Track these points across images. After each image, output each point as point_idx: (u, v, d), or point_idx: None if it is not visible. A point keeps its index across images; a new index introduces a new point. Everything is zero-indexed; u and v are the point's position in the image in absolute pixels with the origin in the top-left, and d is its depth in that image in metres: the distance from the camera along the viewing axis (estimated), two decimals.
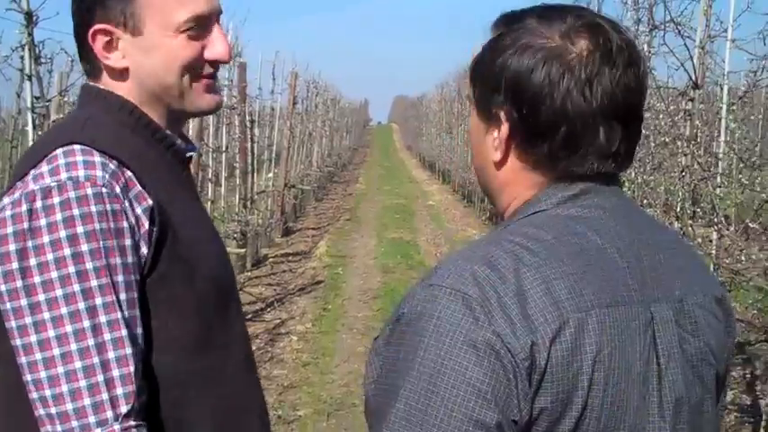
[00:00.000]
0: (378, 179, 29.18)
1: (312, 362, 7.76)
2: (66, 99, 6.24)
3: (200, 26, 1.67)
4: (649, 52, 6.19)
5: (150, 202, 1.55)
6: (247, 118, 12.65)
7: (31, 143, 4.33)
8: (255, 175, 13.64)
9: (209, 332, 1.66)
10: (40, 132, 4.45)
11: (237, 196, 12.14)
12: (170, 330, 1.58)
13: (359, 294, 10.57)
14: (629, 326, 1.31)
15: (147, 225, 1.54)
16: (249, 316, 9.10)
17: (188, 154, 1.77)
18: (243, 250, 11.29)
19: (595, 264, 1.32)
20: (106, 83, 1.69)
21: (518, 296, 1.25)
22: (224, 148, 11.37)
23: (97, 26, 1.63)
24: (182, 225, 1.61)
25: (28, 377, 1.44)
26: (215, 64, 1.72)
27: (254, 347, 7.81)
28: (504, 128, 1.39)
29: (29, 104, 4.36)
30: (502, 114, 1.39)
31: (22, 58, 5.52)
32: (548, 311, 1.25)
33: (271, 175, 15.52)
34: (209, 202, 10.31)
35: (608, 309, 1.29)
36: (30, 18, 4.23)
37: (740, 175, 5.20)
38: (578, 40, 1.35)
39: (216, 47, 1.69)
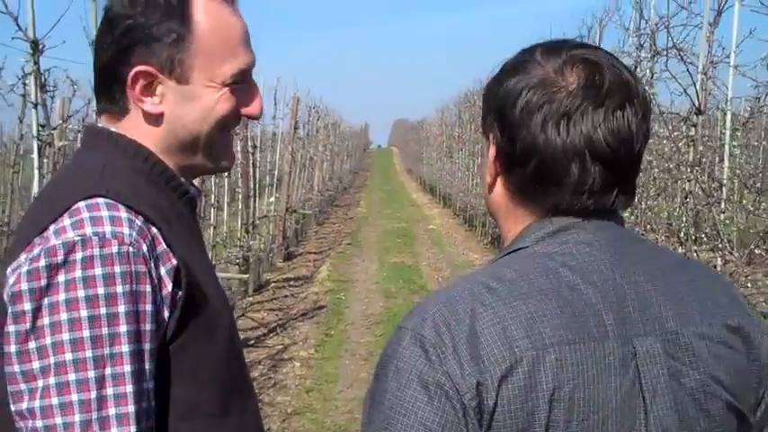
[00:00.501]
0: (379, 203, 29.19)
1: (315, 388, 7.73)
2: (69, 126, 6.24)
3: (243, 80, 1.62)
4: (652, 77, 6.22)
5: (175, 262, 1.45)
6: (249, 143, 12.67)
7: (36, 170, 4.35)
8: (257, 199, 13.65)
9: (229, 396, 1.58)
10: (45, 160, 4.47)
11: (240, 221, 12.15)
12: (192, 398, 1.49)
13: (361, 319, 10.55)
14: (601, 362, 1.30)
15: (170, 287, 1.44)
16: (251, 342, 9.09)
17: (196, 199, 1.70)
18: (245, 276, 11.28)
19: (562, 301, 1.32)
20: (125, 125, 1.59)
21: (470, 337, 1.28)
22: (226, 174, 11.37)
23: (140, 68, 1.53)
24: (203, 283, 1.52)
25: None
26: (246, 118, 1.67)
27: (256, 373, 7.82)
28: (492, 150, 1.43)
29: (34, 132, 4.37)
30: (491, 136, 1.43)
31: (25, 85, 5.55)
32: (498, 351, 1.27)
33: (272, 199, 15.52)
34: (211, 228, 10.32)
35: (570, 346, 1.29)
36: (36, 47, 4.25)
37: (744, 201, 5.20)
38: (571, 74, 1.35)
39: (255, 104, 1.65)
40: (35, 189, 4.44)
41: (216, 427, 1.55)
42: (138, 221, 1.43)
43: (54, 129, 4.66)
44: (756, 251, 4.99)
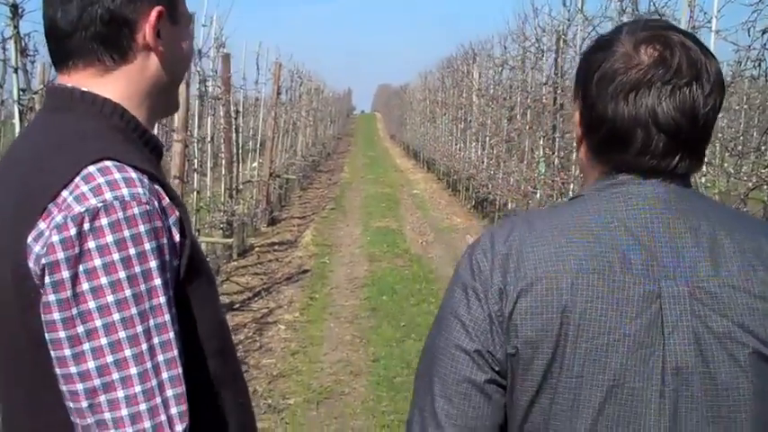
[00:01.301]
0: (362, 168, 29.17)
1: (300, 350, 7.78)
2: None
3: None
4: None
5: (177, 213, 1.53)
6: (232, 108, 12.64)
7: (17, 134, 4.34)
8: (240, 164, 13.63)
9: (226, 336, 1.68)
10: (26, 124, 4.45)
11: (223, 186, 12.14)
12: (203, 337, 1.57)
13: (345, 283, 10.60)
14: (618, 292, 1.50)
15: (177, 237, 1.52)
16: (237, 306, 9.14)
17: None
18: (230, 240, 11.29)
19: (593, 238, 1.55)
20: (117, 75, 1.61)
21: (504, 256, 1.57)
22: (209, 139, 11.35)
23: (159, 7, 1.60)
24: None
25: (84, 403, 1.40)
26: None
27: (242, 337, 7.87)
28: (576, 115, 1.67)
29: (15, 97, 4.36)
30: (578, 103, 1.66)
31: (5, 49, 5.52)
32: (524, 269, 1.55)
33: (256, 164, 15.52)
34: (194, 193, 10.31)
35: (587, 275, 1.51)
36: (15, 10, 4.23)
37: (725, 164, 5.24)
38: (645, 52, 1.54)
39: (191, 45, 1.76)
40: None
41: (224, 364, 1.64)
42: (146, 179, 1.48)
43: (35, 93, 4.64)
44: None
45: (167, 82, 1.68)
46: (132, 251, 1.41)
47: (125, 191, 1.43)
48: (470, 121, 18.40)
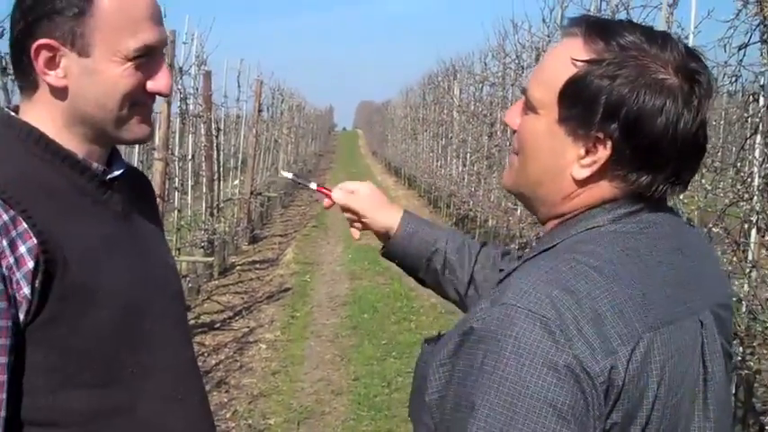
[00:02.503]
0: None
1: (281, 370, 7.74)
2: None
3: (148, 56, 1.64)
4: None
5: (35, 240, 1.48)
6: (213, 125, 12.62)
7: None
8: (222, 182, 13.60)
9: (116, 366, 1.61)
10: None
11: (204, 204, 12.10)
12: (66, 368, 1.54)
13: (327, 301, 10.57)
14: (685, 339, 1.39)
15: (30, 264, 1.47)
16: (217, 325, 9.09)
17: (110, 176, 1.70)
18: (210, 259, 11.25)
19: (655, 282, 1.39)
20: (34, 101, 1.63)
21: (594, 319, 1.29)
22: (190, 157, 11.32)
23: (42, 41, 1.57)
24: (83, 255, 1.55)
25: None
26: (154, 96, 1.68)
27: (222, 356, 7.82)
28: (605, 153, 1.40)
29: None
30: (609, 142, 1.39)
31: None
32: (622, 333, 1.30)
33: (237, 182, 15.48)
34: (175, 211, 10.28)
35: (669, 326, 1.36)
36: None
37: (703, 180, 5.24)
38: (689, 77, 1.38)
39: (160, 80, 1.67)
40: None
41: (100, 397, 1.58)
42: None
43: None
44: (714, 230, 5.03)
45: (88, 115, 1.64)
46: None
47: None
48: (451, 137, 18.43)
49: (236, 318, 9.59)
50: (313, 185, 2.24)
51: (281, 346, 8.57)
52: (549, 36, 9.53)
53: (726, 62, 5.30)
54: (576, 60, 1.40)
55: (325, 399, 6.92)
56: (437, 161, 20.71)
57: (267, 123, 19.04)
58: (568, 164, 1.44)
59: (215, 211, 12.34)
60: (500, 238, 11.56)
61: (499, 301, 1.33)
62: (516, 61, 11.71)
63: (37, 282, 1.48)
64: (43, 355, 1.50)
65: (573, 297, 1.30)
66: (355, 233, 2.19)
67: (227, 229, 13.17)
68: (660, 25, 5.48)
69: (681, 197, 5.34)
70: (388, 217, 2.11)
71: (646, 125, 1.36)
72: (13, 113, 1.64)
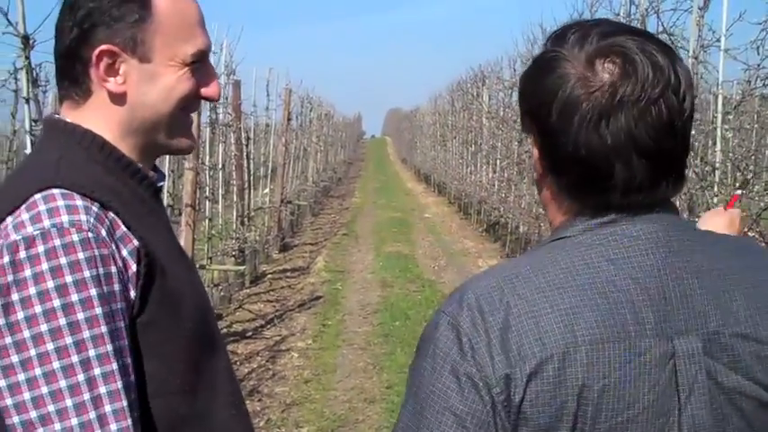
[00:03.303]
0: (373, 192, 29.18)
1: (314, 378, 7.75)
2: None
3: (201, 62, 1.66)
4: None
5: (136, 243, 1.49)
6: (243, 135, 12.67)
7: None
8: (252, 191, 13.65)
9: (197, 373, 1.61)
10: None
11: (235, 213, 12.15)
12: (162, 374, 1.53)
13: (358, 309, 10.56)
14: (635, 360, 1.29)
15: (134, 267, 1.48)
16: (249, 333, 9.11)
17: (159, 184, 1.72)
18: (242, 267, 11.29)
19: (600, 296, 1.30)
20: (86, 110, 1.62)
21: (503, 330, 1.28)
22: (220, 166, 11.37)
23: (104, 47, 1.56)
24: (167, 262, 1.56)
25: None
26: (203, 101, 1.71)
27: (254, 365, 7.83)
28: (535, 152, 1.41)
29: (27, 127, 4.37)
30: (532, 139, 1.41)
31: (17, 80, 5.54)
32: (529, 346, 1.27)
33: (267, 191, 15.53)
34: (206, 220, 10.32)
35: (604, 344, 1.28)
36: (27, 41, 4.25)
37: (737, 184, 5.20)
38: (602, 68, 1.29)
39: (213, 86, 1.70)
40: None
41: (186, 404, 1.58)
42: (95, 208, 1.46)
43: None
44: (750, 234, 5.00)
45: (145, 122, 1.64)
46: (69, 279, 1.38)
47: (65, 218, 1.41)
48: (481, 144, 18.40)
49: (268, 326, 9.60)
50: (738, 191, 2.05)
51: (312, 354, 8.57)
52: None
53: (759, 65, 5.26)
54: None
55: (358, 407, 6.92)
56: (467, 168, 20.69)
57: (296, 132, 19.10)
58: (535, 171, 1.46)
59: (245, 219, 12.39)
60: (531, 245, 11.51)
61: (440, 306, 1.39)
62: None
63: (140, 285, 1.48)
64: (141, 360, 1.50)
65: (489, 305, 1.31)
66: None
67: (257, 237, 13.20)
68: (690, 29, 5.45)
69: (714, 201, 5.29)
70: None
71: (543, 120, 1.34)
72: (68, 120, 1.62)
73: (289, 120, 16.01)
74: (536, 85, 1.36)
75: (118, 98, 1.61)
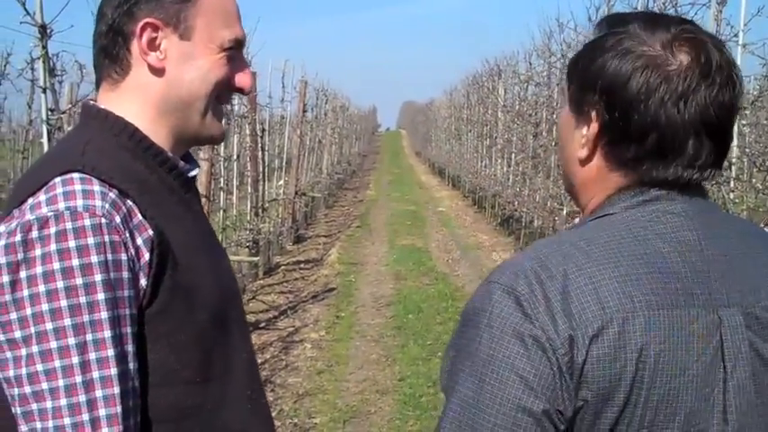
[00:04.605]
0: (388, 185, 29.17)
1: (326, 369, 7.76)
2: (77, 110, 6.25)
3: (236, 50, 1.69)
4: None
5: (151, 232, 1.50)
6: (258, 126, 12.67)
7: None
8: (266, 182, 13.67)
9: (210, 364, 1.62)
10: (54, 143, 4.48)
11: (249, 204, 12.17)
12: (170, 364, 1.54)
13: (371, 301, 10.57)
14: (686, 328, 1.35)
15: (147, 256, 1.49)
16: (263, 324, 9.13)
17: (191, 174, 1.73)
18: (255, 258, 11.31)
19: (651, 267, 1.37)
20: (123, 89, 1.65)
21: (563, 295, 1.33)
22: (235, 157, 11.38)
23: (149, 19, 1.60)
24: (184, 253, 1.57)
25: (18, 409, 1.41)
26: (236, 92, 1.74)
27: (267, 355, 7.85)
28: (594, 126, 1.45)
29: (44, 117, 4.38)
30: (593, 114, 1.44)
31: (33, 69, 5.56)
32: (590, 311, 1.32)
33: (281, 182, 15.55)
34: (221, 211, 10.36)
35: (658, 311, 1.34)
36: (44, 31, 4.25)
37: (753, 180, 5.18)
38: (679, 52, 1.39)
39: (245, 76, 1.72)
40: None
41: (196, 394, 1.59)
42: (113, 194, 1.48)
43: (63, 113, 4.66)
44: (766, 230, 4.98)
45: (181, 101, 1.66)
46: (75, 262, 1.40)
47: (80, 202, 1.43)
48: (496, 137, 18.38)
49: (282, 317, 9.63)
50: None
51: (326, 345, 8.59)
52: None
53: None
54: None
55: (370, 398, 6.93)
56: (481, 161, 20.67)
57: (311, 124, 19.10)
58: (577, 147, 1.49)
59: (260, 211, 12.40)
60: None
61: (487, 278, 1.42)
62: (562, 60, 11.64)
63: (151, 274, 1.50)
64: (149, 349, 1.51)
65: (546, 273, 1.35)
66: None
67: (271, 229, 13.22)
68: (709, 23, 5.42)
69: (730, 196, 5.28)
70: None
71: (619, 92, 1.40)
72: (101, 106, 1.64)
73: (304, 111, 16.03)
74: (607, 62, 1.42)
75: (157, 73, 1.64)
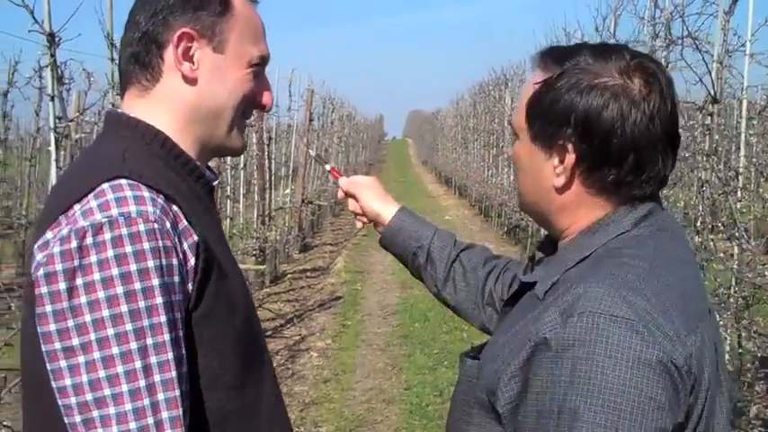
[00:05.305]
0: (394, 194, 28.56)
1: (333, 378, 7.77)
2: (85, 118, 6.26)
3: (261, 67, 1.74)
4: (667, 67, 6.19)
5: (196, 237, 1.53)
6: (265, 135, 12.70)
7: (53, 162, 4.38)
8: (273, 191, 13.68)
9: (247, 370, 1.64)
10: (62, 152, 4.49)
11: (256, 213, 12.19)
12: (213, 368, 1.55)
13: (378, 310, 10.58)
14: (712, 332, 1.53)
15: (192, 261, 1.52)
16: (269, 332, 9.12)
17: (214, 183, 1.76)
18: (262, 267, 11.32)
19: (682, 279, 1.52)
20: (156, 95, 1.67)
21: (664, 314, 1.41)
22: (242, 165, 11.41)
23: (186, 29, 1.64)
24: (221, 258, 1.60)
25: (77, 418, 1.40)
26: (258, 108, 1.77)
27: (274, 364, 7.84)
28: (571, 157, 1.55)
29: (51, 124, 4.40)
30: (569, 146, 1.54)
31: (41, 77, 5.57)
32: (686, 326, 1.43)
33: (288, 191, 15.57)
34: (227, 219, 10.36)
35: (705, 318, 1.52)
36: (52, 39, 4.27)
37: (761, 189, 5.18)
38: (635, 77, 1.52)
39: (269, 94, 1.77)
40: (52, 181, 4.47)
41: (235, 399, 1.60)
42: (160, 200, 1.49)
43: (71, 121, 4.68)
44: None
45: (210, 112, 1.69)
46: (133, 267, 1.41)
47: (132, 208, 1.44)
48: (502, 146, 18.36)
49: (288, 326, 9.63)
50: (328, 166, 2.49)
51: (332, 354, 8.59)
52: None
53: None
54: (535, 83, 1.60)
55: (376, 407, 6.92)
56: (488, 170, 20.65)
57: (318, 132, 19.12)
58: (548, 177, 1.60)
59: (266, 219, 12.42)
60: None
61: (574, 311, 1.41)
62: None
63: (197, 279, 1.52)
64: (196, 353, 1.53)
65: (643, 297, 1.41)
66: (358, 224, 2.40)
67: (278, 237, 13.23)
68: (716, 33, 5.42)
69: (737, 206, 5.27)
70: (383, 208, 2.30)
71: (594, 123, 1.51)
72: (131, 114, 1.66)
73: (310, 120, 16.04)
74: (573, 100, 1.53)
75: (189, 83, 1.67)
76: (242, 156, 11.34)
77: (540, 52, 1.65)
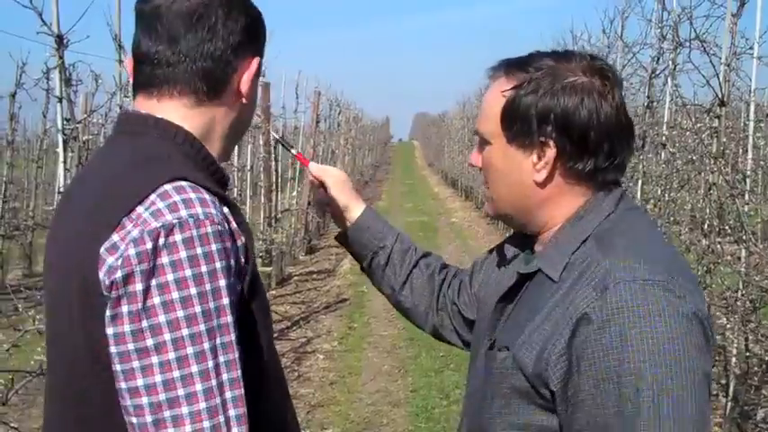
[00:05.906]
0: (400, 196, 29.16)
1: (339, 380, 7.76)
2: (92, 120, 6.26)
3: None
4: (674, 69, 6.19)
5: (243, 239, 1.56)
6: (271, 137, 12.70)
7: (61, 164, 4.38)
8: (279, 193, 13.69)
9: (274, 367, 1.69)
10: (70, 154, 4.49)
11: (262, 215, 12.19)
12: (253, 369, 1.56)
13: (384, 312, 10.54)
14: None
15: (242, 262, 1.55)
16: (275, 334, 9.09)
17: (230, 187, 1.81)
18: (268, 269, 11.33)
19: (672, 247, 1.85)
20: (211, 106, 1.68)
21: (681, 275, 1.59)
22: (249, 167, 11.41)
23: (258, 59, 1.74)
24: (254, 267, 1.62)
25: (148, 418, 1.41)
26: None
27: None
28: (552, 152, 1.69)
29: (59, 126, 4.40)
30: (550, 142, 1.69)
31: (49, 79, 5.58)
32: (694, 283, 1.63)
33: (294, 193, 15.57)
34: None
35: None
36: (60, 41, 4.28)
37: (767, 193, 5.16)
38: (596, 74, 1.70)
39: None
40: (60, 183, 4.48)
41: (266, 399, 1.63)
42: (217, 202, 1.54)
43: (79, 123, 4.68)
44: None
45: (241, 130, 1.80)
46: (204, 268, 1.44)
47: (199, 210, 1.47)
48: None
49: (294, 328, 9.64)
50: (294, 151, 2.56)
51: (338, 356, 8.59)
52: (608, 47, 9.44)
53: None
54: (504, 91, 1.73)
55: (383, 410, 6.92)
56: None
57: (324, 134, 19.14)
58: (528, 174, 1.73)
59: (273, 221, 12.42)
60: None
61: (608, 283, 1.55)
62: None
63: (247, 280, 1.56)
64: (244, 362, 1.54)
65: (661, 262, 1.59)
66: (318, 211, 2.49)
67: (284, 239, 13.23)
68: (723, 36, 5.42)
69: (745, 209, 5.26)
70: (352, 203, 2.33)
71: (573, 119, 1.67)
72: (158, 116, 1.66)
73: (317, 122, 16.06)
74: (548, 102, 1.68)
75: (240, 105, 1.73)
76: (248, 158, 11.39)
77: (500, 63, 1.79)
